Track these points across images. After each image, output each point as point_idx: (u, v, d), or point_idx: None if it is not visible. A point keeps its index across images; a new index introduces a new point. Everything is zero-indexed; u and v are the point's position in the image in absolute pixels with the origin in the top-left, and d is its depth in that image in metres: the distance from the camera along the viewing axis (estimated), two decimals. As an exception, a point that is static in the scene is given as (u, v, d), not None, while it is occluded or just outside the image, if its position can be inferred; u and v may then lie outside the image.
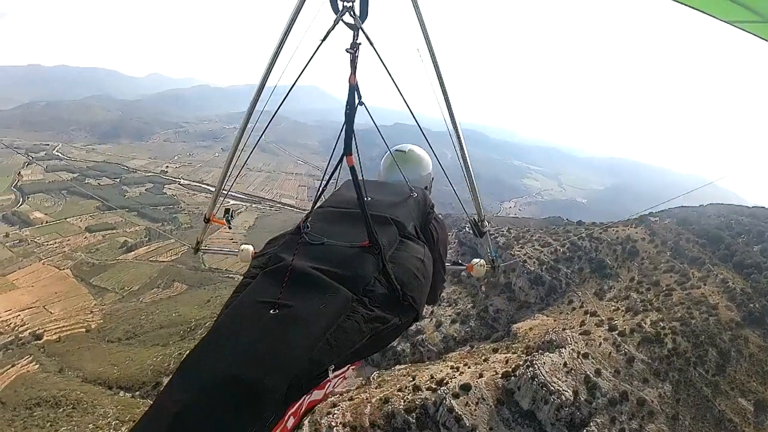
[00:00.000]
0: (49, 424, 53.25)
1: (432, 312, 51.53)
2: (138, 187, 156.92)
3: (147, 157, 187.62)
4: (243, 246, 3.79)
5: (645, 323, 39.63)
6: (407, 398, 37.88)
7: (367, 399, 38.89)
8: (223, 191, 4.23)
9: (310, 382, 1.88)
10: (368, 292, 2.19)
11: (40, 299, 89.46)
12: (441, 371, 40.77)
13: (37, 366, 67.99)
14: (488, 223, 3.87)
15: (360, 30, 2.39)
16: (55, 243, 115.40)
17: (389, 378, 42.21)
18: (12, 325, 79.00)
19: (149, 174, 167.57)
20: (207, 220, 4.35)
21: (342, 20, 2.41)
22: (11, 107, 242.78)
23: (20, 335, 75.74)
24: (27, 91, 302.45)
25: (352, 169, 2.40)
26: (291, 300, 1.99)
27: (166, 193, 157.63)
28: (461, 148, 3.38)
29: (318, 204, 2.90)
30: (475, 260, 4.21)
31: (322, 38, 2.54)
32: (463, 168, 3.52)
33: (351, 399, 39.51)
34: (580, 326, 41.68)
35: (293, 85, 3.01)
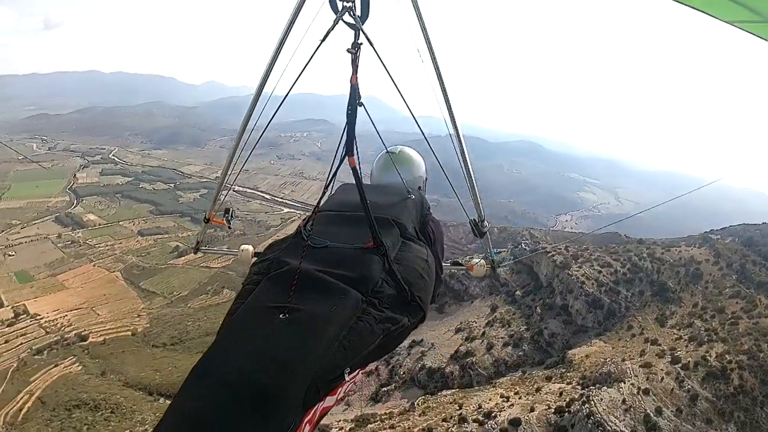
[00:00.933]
0: (86, 427, 56.66)
1: (484, 333, 54.24)
2: (192, 193, 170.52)
3: (202, 163, 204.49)
4: (243, 246, 4.41)
5: (710, 356, 41.48)
6: (452, 431, 39.21)
7: (409, 429, 40.96)
8: (223, 191, 4.78)
9: (326, 386, 2.09)
10: (377, 293, 2.44)
11: (89, 301, 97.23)
12: (490, 400, 42.53)
13: (80, 367, 73.50)
14: (488, 223, 4.30)
15: (360, 30, 2.68)
16: (107, 245, 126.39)
17: (434, 405, 43.90)
18: (59, 325, 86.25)
19: (204, 180, 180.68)
20: (207, 221, 4.89)
21: (343, 20, 2.70)
22: (69, 111, 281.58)
23: (66, 335, 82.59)
24: (85, 97, 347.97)
25: (354, 170, 2.75)
26: (300, 304, 2.19)
27: (219, 200, 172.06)
28: (461, 149, 3.80)
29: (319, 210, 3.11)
30: (476, 260, 4.78)
31: (321, 38, 2.88)
32: (464, 169, 3.96)
33: (392, 427, 41.84)
34: (640, 356, 43.98)
35: (292, 86, 3.36)
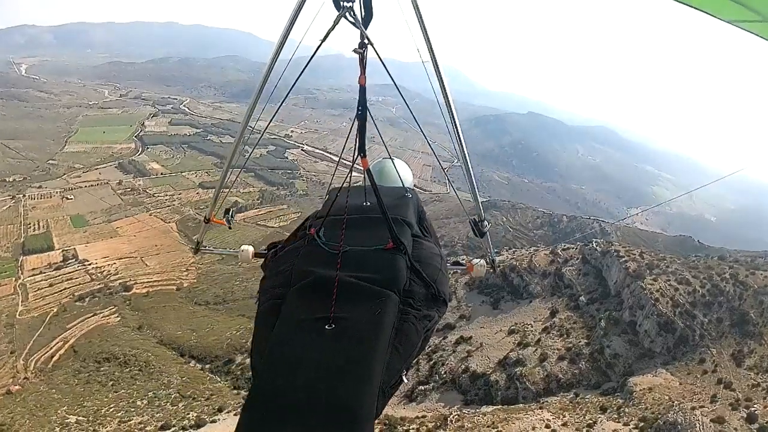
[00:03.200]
0: (111, 383, 56.42)
1: (539, 341, 52.74)
2: (259, 149, 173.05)
3: (274, 120, 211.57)
4: (243, 246, 4.57)
5: (792, 419, 38.70)
6: (485, 463, 37.34)
7: (437, 451, 39.31)
8: (224, 191, 4.96)
9: (390, 390, 2.33)
10: (408, 292, 2.61)
11: (139, 250, 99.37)
12: (533, 428, 40.39)
13: (118, 318, 74.73)
14: (488, 223, 4.47)
15: (360, 30, 2.87)
16: (166, 195, 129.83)
17: (470, 426, 42.29)
18: (105, 273, 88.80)
19: (273, 137, 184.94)
20: (207, 221, 5.04)
21: (347, 20, 2.86)
22: (144, 60, 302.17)
23: (110, 284, 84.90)
24: (161, 47, 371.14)
25: (368, 171, 3.00)
26: (342, 312, 2.33)
27: (287, 158, 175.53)
28: (462, 149, 3.93)
29: (316, 215, 3.36)
30: (476, 260, 4.80)
31: (321, 38, 3.07)
32: (464, 168, 4.15)
33: (420, 444, 40.45)
34: (711, 402, 41.64)
35: (292, 87, 3.78)
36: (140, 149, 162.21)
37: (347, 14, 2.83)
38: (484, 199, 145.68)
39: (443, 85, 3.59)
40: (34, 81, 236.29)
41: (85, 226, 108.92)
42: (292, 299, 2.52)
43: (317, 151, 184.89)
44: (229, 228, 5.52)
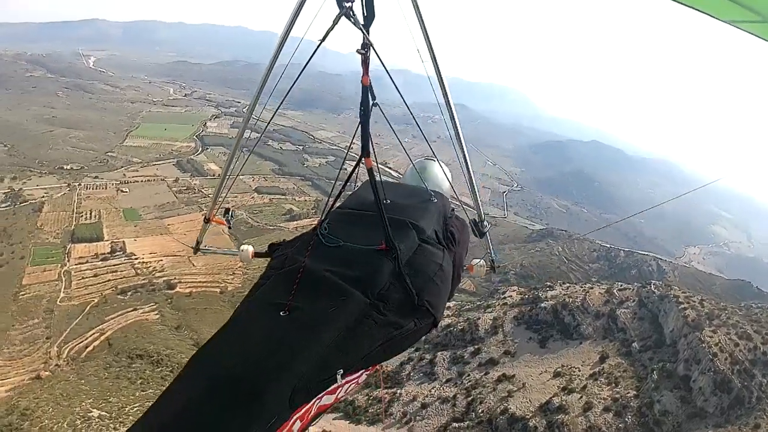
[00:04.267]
0: (140, 380, 56.83)
1: (585, 387, 51.49)
2: (319, 158, 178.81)
3: (336, 131, 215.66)
4: (243, 246, 4.81)
5: None
6: None
7: None
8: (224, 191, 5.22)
9: (317, 386, 2.42)
10: (383, 296, 2.74)
11: (188, 249, 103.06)
12: None
13: (157, 316, 75.92)
14: (488, 224, 4.73)
15: (360, 31, 2.99)
16: (221, 197, 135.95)
17: None
18: (151, 269, 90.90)
19: (334, 147, 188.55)
20: (207, 221, 5.31)
21: (348, 19, 2.97)
22: (212, 62, 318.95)
23: (154, 280, 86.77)
24: (229, 50, 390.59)
25: (370, 171, 3.15)
26: (302, 302, 2.52)
27: (345, 169, 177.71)
28: (462, 150, 4.11)
29: (337, 205, 3.59)
30: (475, 260, 5.18)
31: (321, 38, 3.20)
32: (464, 170, 4.29)
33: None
34: None
35: (291, 89, 3.94)
36: (200, 149, 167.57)
37: (348, 13, 2.91)
38: (542, 227, 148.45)
39: (443, 86, 3.68)
40: (101, 74, 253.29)
41: (137, 220, 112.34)
42: (272, 282, 2.75)
43: (378, 165, 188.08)
44: (229, 228, 5.74)
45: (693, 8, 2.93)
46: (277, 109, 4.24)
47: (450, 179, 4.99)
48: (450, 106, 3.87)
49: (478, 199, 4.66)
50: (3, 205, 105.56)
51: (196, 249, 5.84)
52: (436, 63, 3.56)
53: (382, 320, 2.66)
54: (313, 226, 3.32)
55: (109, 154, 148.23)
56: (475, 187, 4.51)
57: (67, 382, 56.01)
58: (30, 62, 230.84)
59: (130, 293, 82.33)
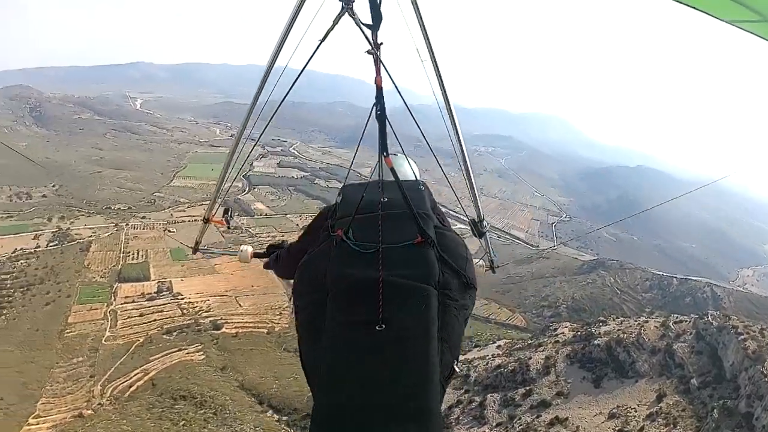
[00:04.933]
0: (183, 422, 56.39)
1: (642, 429, 50.53)
2: None
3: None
4: (242, 246, 5.07)
5: None
6: None
7: None
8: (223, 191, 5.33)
9: (445, 383, 2.56)
10: (444, 284, 2.82)
11: (235, 289, 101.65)
12: None
13: (203, 356, 75.83)
14: (487, 224, 4.87)
15: (362, 31, 3.15)
16: (268, 236, 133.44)
17: None
18: (197, 309, 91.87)
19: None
20: (206, 221, 5.40)
21: (352, 18, 3.15)
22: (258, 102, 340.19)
23: (200, 321, 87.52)
24: (275, 90, 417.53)
25: (393, 170, 3.21)
26: (389, 312, 2.53)
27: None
28: (461, 150, 4.28)
29: (330, 213, 3.54)
30: (475, 261, 4.74)
31: (321, 38, 3.34)
32: (463, 169, 4.50)
33: None
34: None
35: (289, 90, 4.03)
36: (247, 189, 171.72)
37: (350, 13, 3.07)
38: (593, 257, 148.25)
39: (443, 87, 3.81)
40: (148, 115, 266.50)
41: (184, 260, 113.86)
42: (336, 304, 2.67)
43: None
44: (228, 228, 6.12)
45: (693, 8, 2.97)
46: (272, 116, 4.35)
47: (417, 173, 4.91)
48: (450, 106, 3.94)
49: (478, 199, 4.79)
50: (51, 244, 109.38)
51: (195, 249, 5.97)
52: (436, 63, 3.64)
53: (457, 305, 2.81)
54: (327, 235, 3.24)
55: (157, 194, 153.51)
56: (475, 187, 4.65)
57: (109, 421, 56.15)
58: (77, 104, 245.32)
59: (175, 333, 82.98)
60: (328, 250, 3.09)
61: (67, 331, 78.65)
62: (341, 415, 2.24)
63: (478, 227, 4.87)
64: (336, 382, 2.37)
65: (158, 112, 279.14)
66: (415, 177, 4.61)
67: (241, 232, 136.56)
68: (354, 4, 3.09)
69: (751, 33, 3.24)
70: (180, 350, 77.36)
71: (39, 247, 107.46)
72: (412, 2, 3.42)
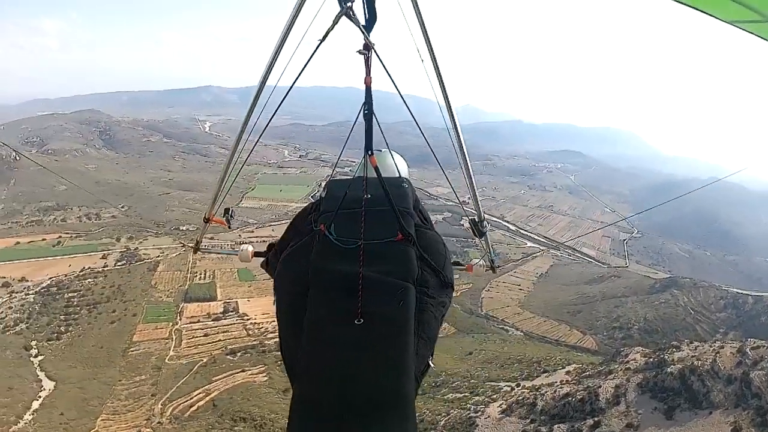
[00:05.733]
0: None
1: None
2: (436, 215, 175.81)
3: (449, 186, 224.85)
4: (242, 246, 5.27)
5: None
6: None
7: None
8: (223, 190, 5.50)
9: (420, 378, 2.72)
10: (422, 281, 2.98)
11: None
12: None
13: (265, 378, 76.21)
14: (487, 223, 5.05)
15: (361, 31, 3.25)
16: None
17: None
18: (263, 330, 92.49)
19: (450, 203, 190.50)
20: (207, 220, 5.58)
21: (350, 19, 3.23)
22: (325, 123, 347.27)
23: (266, 342, 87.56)
24: (342, 111, 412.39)
25: (377, 169, 3.33)
26: (367, 307, 2.68)
27: (462, 225, 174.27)
28: (461, 149, 4.40)
29: (314, 208, 3.66)
30: (475, 261, 5.91)
31: (321, 38, 3.40)
32: (463, 169, 4.58)
33: None
34: None
35: (288, 92, 4.05)
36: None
37: (348, 13, 3.16)
38: (665, 275, 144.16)
39: (443, 87, 3.95)
40: (217, 138, 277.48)
41: (251, 281, 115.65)
42: (316, 298, 2.79)
43: (494, 219, 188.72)
44: (229, 228, 5.99)
45: (693, 8, 3.01)
46: (270, 119, 4.50)
47: (404, 169, 4.85)
48: (450, 107, 4.05)
49: (478, 200, 4.89)
50: (119, 263, 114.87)
51: (196, 249, 6.20)
52: (436, 63, 3.75)
53: (434, 302, 2.94)
54: (311, 229, 3.32)
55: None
56: (475, 188, 4.72)
57: (167, 440, 56.17)
58: (147, 128, 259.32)
59: (239, 354, 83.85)
60: (309, 244, 3.16)
61: (132, 349, 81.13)
62: (319, 406, 2.35)
63: (478, 227, 4.94)
64: (314, 375, 2.49)
65: (227, 134, 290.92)
66: (399, 174, 4.50)
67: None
68: (353, 4, 3.15)
69: (751, 33, 3.28)
70: (243, 371, 78.06)
71: (107, 266, 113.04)
72: (412, 2, 3.49)
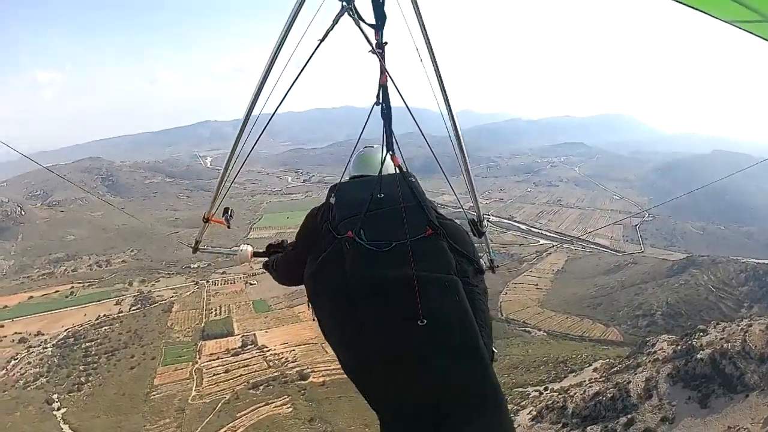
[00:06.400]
0: None
1: None
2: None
3: (458, 192, 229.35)
4: (242, 246, 5.55)
5: None
6: None
7: None
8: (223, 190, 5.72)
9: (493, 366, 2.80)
10: (462, 272, 3.02)
11: (320, 336, 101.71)
12: None
13: (290, 409, 75.38)
14: (487, 223, 5.06)
15: (361, 31, 3.29)
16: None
17: None
18: (282, 360, 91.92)
19: (457, 210, 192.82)
20: (206, 220, 5.58)
21: (351, 17, 3.27)
22: (325, 145, 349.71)
23: (287, 372, 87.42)
24: (341, 131, 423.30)
25: (400, 168, 3.49)
26: (426, 307, 2.68)
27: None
28: (461, 149, 4.41)
29: (322, 210, 3.67)
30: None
31: (321, 38, 3.43)
32: (463, 169, 4.61)
33: None
34: None
35: (287, 93, 3.98)
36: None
37: (350, 12, 3.20)
38: (683, 256, 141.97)
39: (443, 87, 3.94)
40: (218, 171, 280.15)
41: (267, 311, 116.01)
42: (367, 308, 2.77)
43: (503, 221, 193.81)
44: (228, 227, 5.89)
45: (693, 8, 2.99)
46: (271, 117, 4.52)
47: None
48: (449, 106, 4.04)
49: (477, 199, 4.95)
50: (133, 308, 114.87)
51: (195, 249, 6.17)
52: (436, 63, 3.73)
53: (478, 289, 3.02)
54: (333, 237, 3.27)
55: (235, 248, 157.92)
56: (474, 187, 4.79)
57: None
58: (148, 169, 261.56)
59: (262, 387, 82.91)
60: (339, 252, 3.08)
61: (153, 393, 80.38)
62: (421, 410, 2.42)
63: (478, 227, 4.91)
64: (403, 381, 2.53)
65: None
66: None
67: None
68: (354, 3, 3.19)
69: (751, 33, 3.27)
70: (267, 404, 77.16)
71: (122, 312, 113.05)
72: (412, 2, 3.47)
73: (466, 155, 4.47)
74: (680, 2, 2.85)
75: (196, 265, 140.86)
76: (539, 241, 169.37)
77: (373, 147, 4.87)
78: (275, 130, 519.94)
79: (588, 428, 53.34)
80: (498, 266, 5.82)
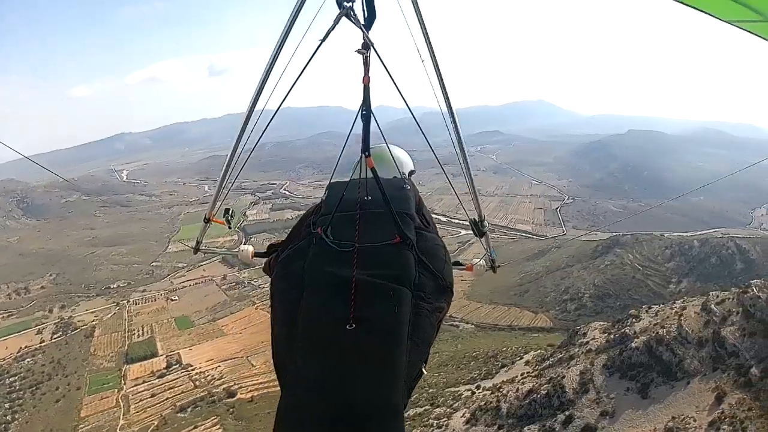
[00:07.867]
0: None
1: None
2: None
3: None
4: (242, 246, 5.29)
5: None
6: None
7: None
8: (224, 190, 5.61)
9: (412, 384, 2.68)
10: (419, 286, 2.90)
11: (245, 349, 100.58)
12: None
13: (220, 430, 74.62)
14: (488, 223, 5.03)
15: (361, 30, 3.22)
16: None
17: None
18: (209, 378, 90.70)
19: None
20: (207, 220, 5.55)
21: (349, 19, 3.24)
22: (239, 150, 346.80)
23: (214, 391, 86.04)
24: (255, 134, 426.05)
25: (373, 170, 3.23)
26: (361, 312, 2.59)
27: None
28: (461, 148, 4.38)
29: (315, 211, 3.63)
30: (475, 260, 5.57)
31: (321, 38, 3.39)
32: (463, 168, 4.59)
33: None
34: None
35: (288, 93, 3.97)
36: (243, 239, 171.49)
37: (348, 13, 3.17)
38: (606, 236, 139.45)
39: (444, 87, 3.94)
40: (135, 185, 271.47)
41: (190, 328, 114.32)
42: (309, 301, 2.73)
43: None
44: (229, 228, 5.91)
45: (694, 8, 3.01)
46: (273, 116, 4.45)
47: (406, 166, 4.93)
48: (451, 107, 4.03)
49: (478, 199, 4.94)
50: (55, 336, 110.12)
51: (196, 249, 6.10)
52: (436, 63, 3.76)
53: (430, 308, 2.86)
54: (309, 232, 3.30)
55: (154, 264, 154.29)
56: (475, 187, 4.75)
57: None
58: (64, 188, 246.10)
59: (190, 409, 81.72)
60: (306, 246, 3.16)
61: (81, 425, 78.11)
62: (306, 416, 2.28)
63: (478, 227, 4.95)
64: (302, 382, 2.42)
65: (145, 179, 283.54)
66: (400, 170, 4.60)
67: (244, 286, 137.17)
68: (354, 4, 3.17)
69: (751, 33, 3.31)
70: (195, 428, 76.08)
71: (43, 341, 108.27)
72: (412, 1, 3.51)
73: (466, 155, 4.46)
74: (680, 2, 2.90)
75: (116, 285, 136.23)
76: (460, 232, 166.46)
77: (381, 146, 4.80)
78: (189, 138, 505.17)
79: (525, 429, 49.57)
80: (499, 266, 5.82)
